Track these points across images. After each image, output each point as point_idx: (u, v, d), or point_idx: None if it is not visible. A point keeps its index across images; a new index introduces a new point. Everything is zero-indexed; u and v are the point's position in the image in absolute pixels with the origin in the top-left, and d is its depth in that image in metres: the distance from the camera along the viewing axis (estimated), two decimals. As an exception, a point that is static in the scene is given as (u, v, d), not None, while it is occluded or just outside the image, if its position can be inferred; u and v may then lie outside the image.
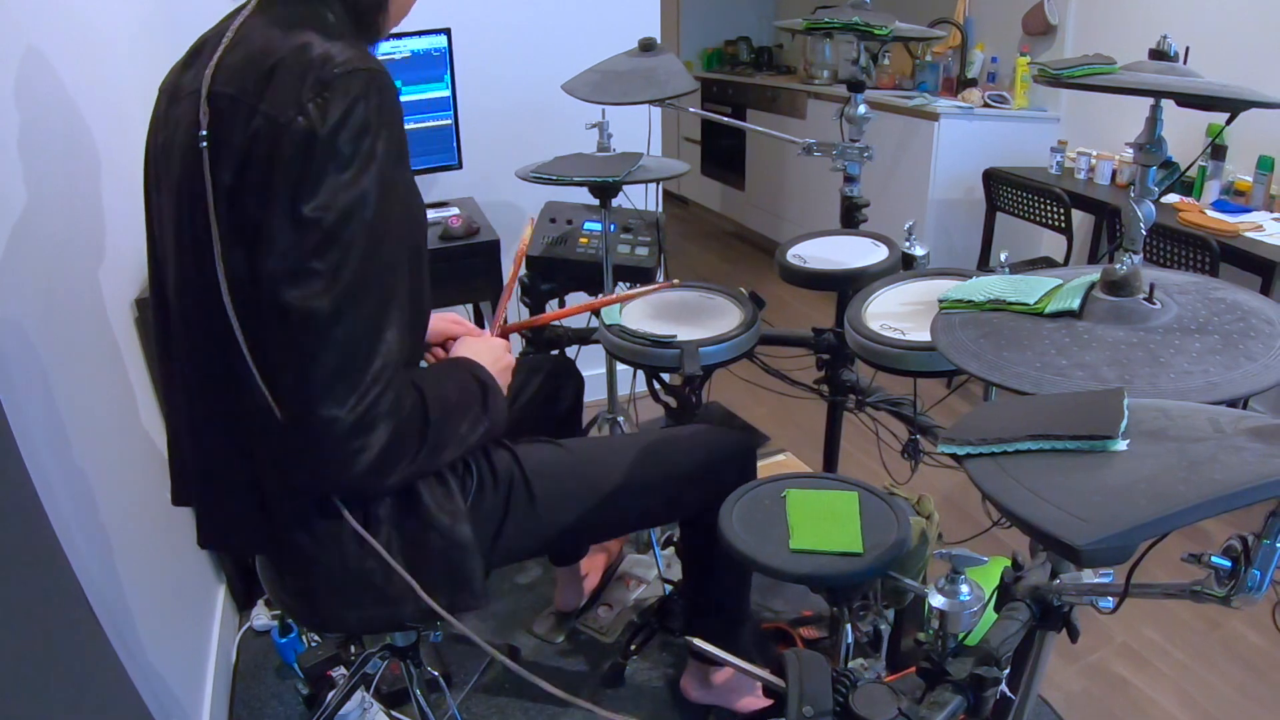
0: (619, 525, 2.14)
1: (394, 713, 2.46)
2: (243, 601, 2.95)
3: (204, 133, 1.30)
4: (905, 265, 2.38)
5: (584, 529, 1.90)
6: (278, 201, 1.27)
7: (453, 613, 1.60)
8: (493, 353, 1.76)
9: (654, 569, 3.09)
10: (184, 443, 1.58)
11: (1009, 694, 1.47)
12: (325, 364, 1.30)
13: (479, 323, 3.58)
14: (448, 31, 3.28)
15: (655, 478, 1.97)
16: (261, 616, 2.85)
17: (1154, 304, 1.41)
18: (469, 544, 1.63)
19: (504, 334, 1.93)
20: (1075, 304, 1.44)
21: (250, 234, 1.30)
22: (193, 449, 1.55)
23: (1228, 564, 0.99)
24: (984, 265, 4.90)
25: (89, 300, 2.08)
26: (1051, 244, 4.98)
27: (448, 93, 3.34)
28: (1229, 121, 1.63)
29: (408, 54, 3.24)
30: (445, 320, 1.89)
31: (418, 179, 1.55)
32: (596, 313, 2.52)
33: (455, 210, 3.55)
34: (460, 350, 1.76)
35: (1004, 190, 4.69)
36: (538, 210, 3.17)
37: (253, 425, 1.42)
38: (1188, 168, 3.83)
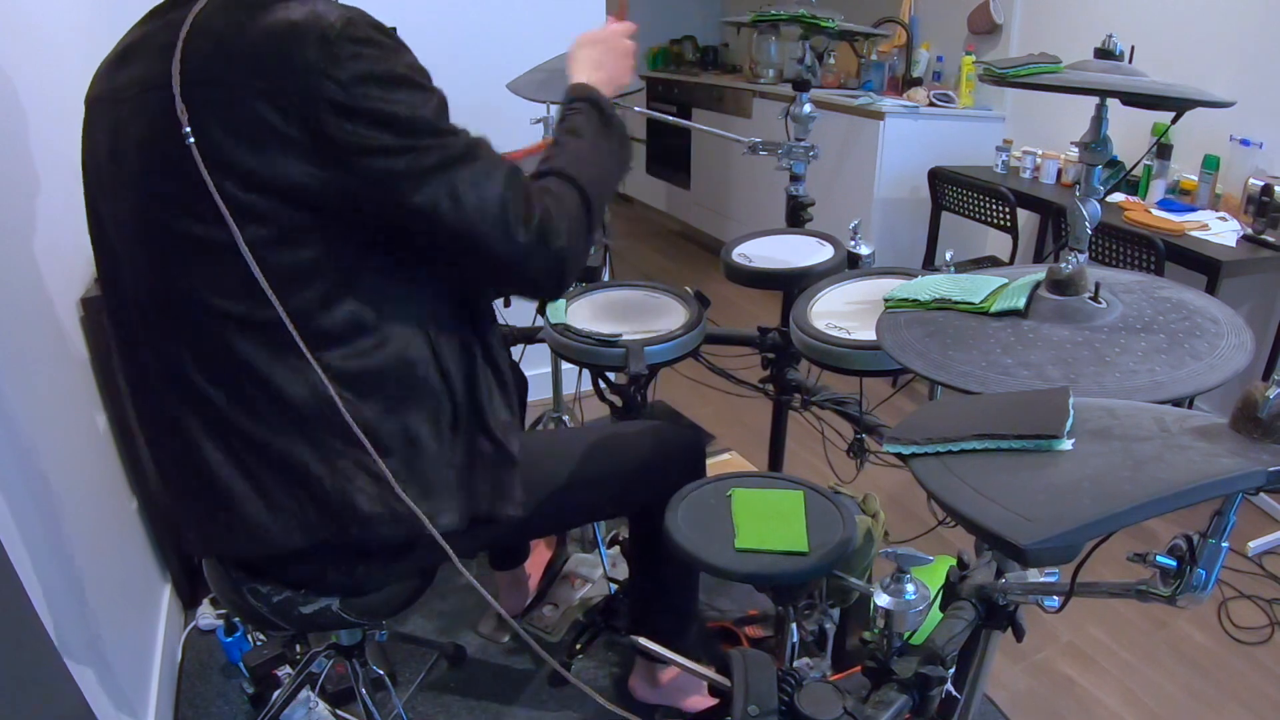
0: (565, 520, 2.13)
1: (339, 712, 2.43)
2: (188, 600, 2.91)
3: (187, 129, 1.28)
4: (851, 264, 2.38)
5: (532, 523, 1.88)
6: (358, 156, 1.33)
7: (494, 519, 1.67)
8: (604, 45, 1.88)
9: (599, 568, 3.08)
10: (168, 446, 1.55)
11: (954, 693, 1.47)
12: (490, 222, 1.43)
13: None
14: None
15: (603, 473, 1.95)
16: (207, 615, 2.81)
17: (1099, 303, 1.41)
18: (515, 457, 1.68)
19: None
20: (1021, 303, 1.44)
21: (310, 200, 1.34)
22: (168, 448, 1.53)
23: (1173, 563, 0.99)
24: (929, 264, 4.92)
25: (36, 299, 2.06)
26: (997, 243, 5.02)
27: (392, 89, 3.31)
28: (1174, 121, 1.64)
29: (352, 50, 3.21)
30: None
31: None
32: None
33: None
34: (574, 74, 1.83)
35: (949, 189, 4.71)
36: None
37: (263, 399, 1.43)
38: (1133, 167, 3.89)
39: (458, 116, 1.42)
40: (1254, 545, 3.32)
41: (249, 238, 1.32)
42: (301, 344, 1.37)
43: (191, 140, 1.28)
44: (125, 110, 1.37)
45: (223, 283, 1.35)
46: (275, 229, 1.33)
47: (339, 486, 1.47)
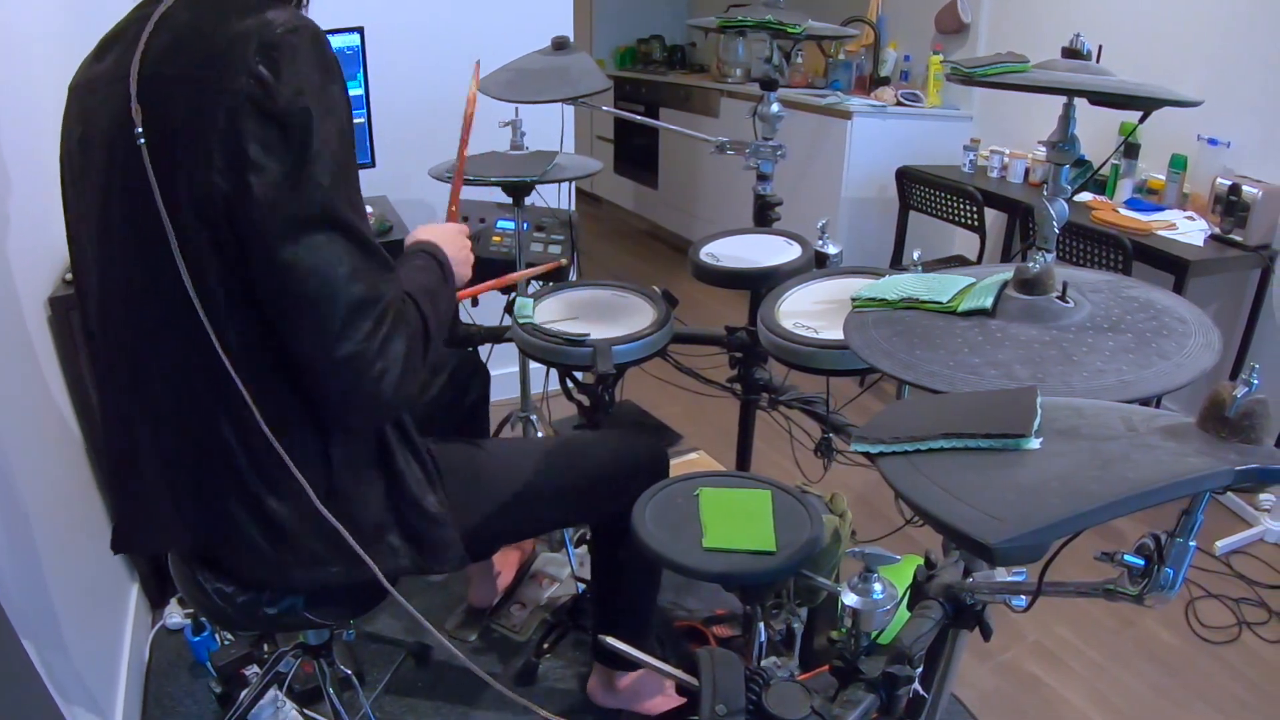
0: (530, 527, 2.13)
1: (307, 711, 2.42)
2: (156, 599, 2.89)
3: (139, 129, 1.27)
4: (818, 264, 2.38)
5: (495, 530, 1.88)
6: (255, 169, 1.26)
7: (423, 573, 1.66)
8: (447, 233, 1.79)
9: (567, 567, 3.07)
10: (117, 441, 1.54)
11: (922, 692, 1.47)
12: (340, 307, 1.32)
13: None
14: (360, 30, 3.23)
15: (567, 481, 1.96)
16: (175, 615, 2.80)
17: (1067, 302, 1.41)
18: (439, 515, 1.65)
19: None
20: (988, 302, 1.44)
21: (217, 212, 1.27)
22: (128, 446, 1.52)
23: (1140, 562, 0.99)
24: (897, 264, 4.93)
25: (4, 298, 2.05)
26: (964, 242, 5.03)
27: (360, 91, 3.28)
28: (1142, 120, 1.65)
29: (320, 50, 3.19)
30: None
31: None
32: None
33: (369, 209, 3.49)
34: (417, 235, 1.77)
35: (917, 189, 4.72)
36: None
37: (212, 410, 1.41)
38: (1100, 166, 3.89)
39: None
40: (1221, 545, 3.34)
41: (193, 249, 1.30)
42: (235, 376, 1.33)
43: (142, 141, 1.27)
44: (96, 100, 1.37)
45: (167, 288, 1.32)
46: (209, 231, 1.30)
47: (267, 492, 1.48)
